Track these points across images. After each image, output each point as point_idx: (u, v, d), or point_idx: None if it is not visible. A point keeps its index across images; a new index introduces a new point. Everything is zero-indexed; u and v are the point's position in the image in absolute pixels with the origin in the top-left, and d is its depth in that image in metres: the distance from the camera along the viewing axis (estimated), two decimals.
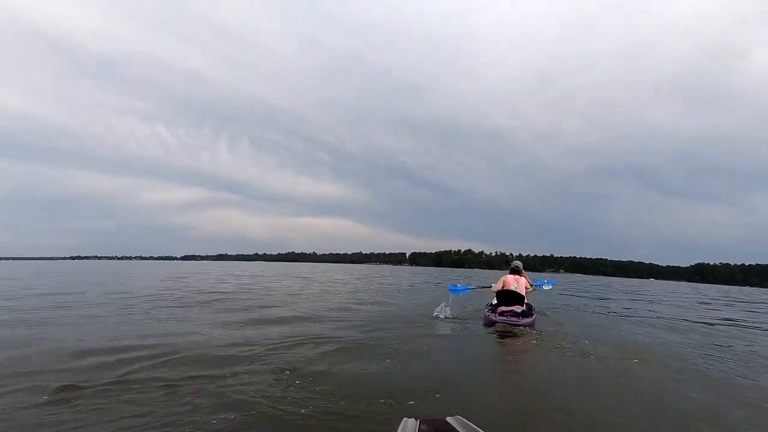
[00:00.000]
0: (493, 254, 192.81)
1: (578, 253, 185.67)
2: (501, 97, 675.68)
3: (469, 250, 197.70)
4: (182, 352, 4.27)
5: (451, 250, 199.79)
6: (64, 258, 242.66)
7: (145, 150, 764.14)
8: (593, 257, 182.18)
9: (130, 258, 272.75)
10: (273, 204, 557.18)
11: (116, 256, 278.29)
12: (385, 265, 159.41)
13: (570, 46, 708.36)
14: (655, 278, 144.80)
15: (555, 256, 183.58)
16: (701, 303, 16.91)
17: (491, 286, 7.62)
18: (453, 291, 8.60)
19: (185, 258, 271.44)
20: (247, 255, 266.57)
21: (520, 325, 6.42)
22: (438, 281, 24.99)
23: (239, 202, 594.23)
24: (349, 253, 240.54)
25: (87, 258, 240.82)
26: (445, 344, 5.48)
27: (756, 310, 15.06)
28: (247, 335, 5.38)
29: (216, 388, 3.26)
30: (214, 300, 9.78)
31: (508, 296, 7.06)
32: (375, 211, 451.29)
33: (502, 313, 6.77)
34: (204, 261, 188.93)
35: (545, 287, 9.66)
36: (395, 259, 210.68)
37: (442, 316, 7.30)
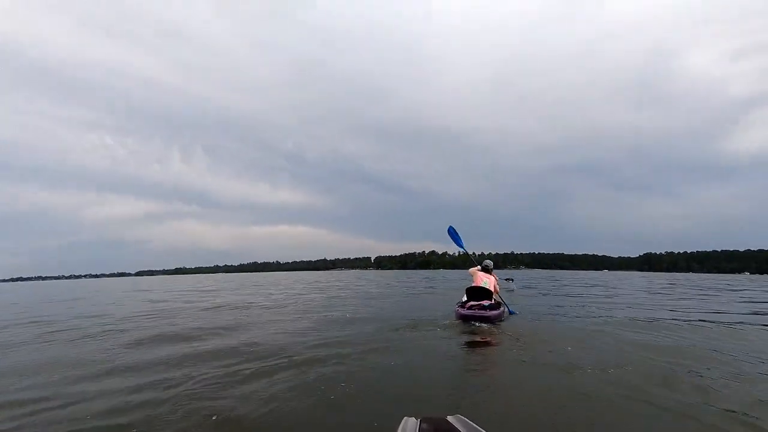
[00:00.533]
0: (457, 254, 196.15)
1: (537, 249, 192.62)
2: (462, 99, 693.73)
3: (433, 251, 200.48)
4: None
5: (415, 252, 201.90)
6: (3, 280, 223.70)
7: (92, 161, 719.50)
8: (552, 252, 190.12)
9: (79, 276, 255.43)
10: (232, 213, 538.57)
11: (63, 276, 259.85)
12: (351, 270, 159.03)
13: (527, 49, 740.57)
14: (609, 269, 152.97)
15: (516, 252, 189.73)
16: (654, 293, 17.54)
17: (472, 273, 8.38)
18: (451, 233, 9.61)
19: (140, 273, 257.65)
20: (208, 267, 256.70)
21: (486, 317, 6.96)
22: (405, 284, 25.40)
23: (196, 213, 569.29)
24: (313, 260, 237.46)
25: (29, 279, 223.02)
26: (426, 343, 5.66)
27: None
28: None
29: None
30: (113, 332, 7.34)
31: (477, 292, 7.61)
32: (338, 216, 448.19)
33: (470, 308, 7.27)
34: (160, 276, 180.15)
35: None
36: (361, 263, 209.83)
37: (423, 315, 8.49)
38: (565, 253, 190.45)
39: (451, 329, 6.72)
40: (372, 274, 77.62)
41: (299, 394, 3.36)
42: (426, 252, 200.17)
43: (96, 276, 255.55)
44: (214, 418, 2.93)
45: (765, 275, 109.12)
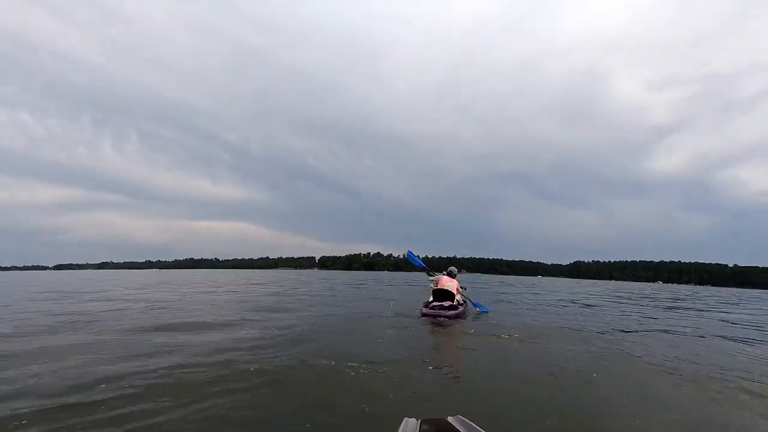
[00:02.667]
0: (401, 256, 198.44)
1: (478, 254, 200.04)
2: (407, 103, 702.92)
3: (378, 253, 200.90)
4: None
5: (360, 254, 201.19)
6: None
7: (1, 141, 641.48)
8: (491, 257, 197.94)
9: None
10: (167, 207, 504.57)
11: None
12: (293, 270, 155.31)
13: (471, 59, 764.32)
14: (542, 275, 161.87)
15: (458, 257, 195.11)
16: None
17: (431, 280, 9.09)
18: (410, 257, 10.11)
19: (59, 267, 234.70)
20: (138, 263, 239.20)
21: (446, 316, 7.84)
22: (355, 285, 24.46)
23: (127, 204, 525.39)
24: (255, 258, 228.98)
25: None
26: (404, 338, 6.07)
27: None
28: None
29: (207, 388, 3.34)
30: None
31: (441, 294, 8.60)
32: (282, 214, 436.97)
33: (432, 307, 8.18)
34: (84, 270, 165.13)
35: (478, 309, 9.62)
36: (304, 263, 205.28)
37: (389, 314, 8.53)
38: (503, 258, 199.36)
39: (418, 327, 7.19)
40: (320, 273, 75.94)
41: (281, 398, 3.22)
42: (371, 253, 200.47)
43: (5, 269, 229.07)
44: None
45: (673, 284, 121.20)
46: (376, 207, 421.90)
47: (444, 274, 9.15)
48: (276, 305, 10.37)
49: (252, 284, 22.95)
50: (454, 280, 8.99)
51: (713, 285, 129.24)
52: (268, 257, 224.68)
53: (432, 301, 8.56)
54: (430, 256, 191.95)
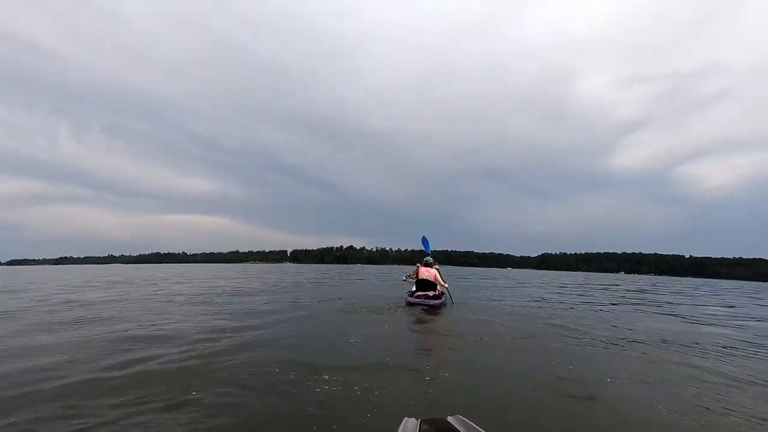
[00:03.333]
0: (374, 249, 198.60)
1: (450, 247, 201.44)
2: (384, 99, 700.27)
3: (351, 246, 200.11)
4: None
5: (333, 247, 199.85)
6: None
7: None
8: (463, 250, 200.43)
9: None
10: (132, 200, 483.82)
11: None
12: (264, 264, 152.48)
13: (445, 58, 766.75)
14: (512, 267, 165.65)
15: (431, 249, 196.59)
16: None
17: (411, 273, 9.78)
18: (424, 243, 11.56)
19: (12, 263, 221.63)
20: (100, 258, 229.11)
21: (430, 305, 8.39)
22: (330, 276, 23.77)
23: (88, 197, 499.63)
24: (224, 252, 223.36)
25: None
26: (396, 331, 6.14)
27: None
28: None
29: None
30: None
31: (423, 284, 9.06)
32: (253, 207, 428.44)
33: (417, 296, 8.69)
34: (39, 266, 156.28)
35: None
36: (276, 257, 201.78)
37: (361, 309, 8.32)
38: (475, 251, 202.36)
39: (404, 315, 7.58)
40: (291, 267, 74.33)
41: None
42: (344, 247, 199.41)
43: None
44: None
45: (634, 275, 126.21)
46: (351, 201, 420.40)
47: (421, 265, 9.50)
48: (232, 304, 9.22)
49: (214, 278, 21.54)
50: (432, 269, 9.29)
51: (671, 275, 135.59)
52: (238, 251, 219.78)
53: (416, 291, 8.99)
54: (402, 249, 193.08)
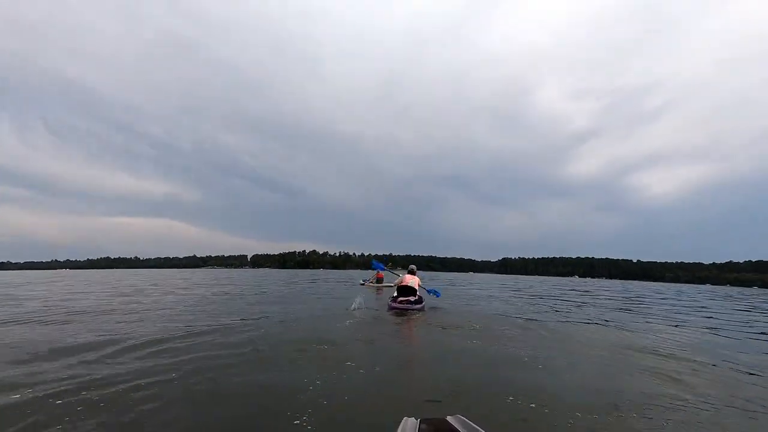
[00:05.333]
0: (338, 254, 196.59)
1: (413, 252, 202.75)
2: (346, 104, 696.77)
3: (314, 250, 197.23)
4: None
5: (295, 251, 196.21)
6: None
7: None
8: (425, 255, 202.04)
9: None
10: (79, 202, 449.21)
11: None
12: (223, 269, 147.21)
13: (408, 64, 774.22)
14: (474, 272, 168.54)
15: (394, 254, 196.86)
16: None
17: (397, 278, 10.23)
18: (375, 265, 13.05)
19: None
20: (42, 263, 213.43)
21: (413, 309, 8.89)
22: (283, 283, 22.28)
23: (30, 199, 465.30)
24: (180, 256, 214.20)
25: None
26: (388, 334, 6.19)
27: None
28: None
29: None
30: None
31: (405, 290, 9.57)
32: (211, 211, 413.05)
33: (400, 302, 9.13)
34: None
35: (433, 295, 11.21)
36: (235, 261, 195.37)
37: (354, 307, 9.02)
38: (437, 256, 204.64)
39: (389, 318, 7.87)
40: (249, 272, 71.75)
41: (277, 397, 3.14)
42: (306, 251, 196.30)
43: None
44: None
45: (588, 278, 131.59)
46: (313, 205, 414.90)
47: (407, 273, 10.18)
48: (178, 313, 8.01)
49: (166, 284, 19.74)
50: (415, 277, 10.04)
51: (622, 278, 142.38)
52: (195, 255, 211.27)
53: (398, 296, 9.45)
54: (366, 254, 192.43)
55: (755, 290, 63.45)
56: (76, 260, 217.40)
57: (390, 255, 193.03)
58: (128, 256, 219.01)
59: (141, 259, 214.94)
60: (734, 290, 53.86)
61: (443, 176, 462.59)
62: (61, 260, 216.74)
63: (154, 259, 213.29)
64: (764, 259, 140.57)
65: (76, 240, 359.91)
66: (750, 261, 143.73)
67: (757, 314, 12.66)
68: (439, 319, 7.99)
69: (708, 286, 78.73)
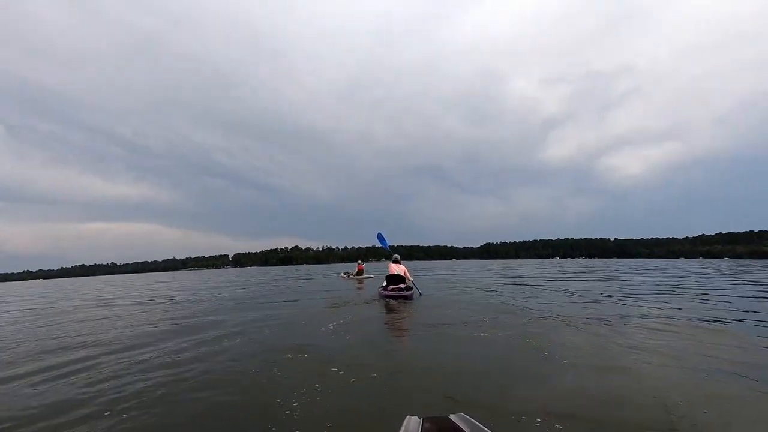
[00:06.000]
0: (320, 249, 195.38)
1: (396, 242, 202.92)
2: (319, 99, 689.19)
3: (296, 246, 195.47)
4: None
5: (278, 248, 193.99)
6: None
7: None
8: (408, 244, 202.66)
9: None
10: (47, 208, 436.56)
11: None
12: (204, 270, 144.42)
13: (380, 57, 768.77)
14: (457, 258, 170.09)
15: (377, 246, 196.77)
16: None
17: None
18: (380, 239, 12.30)
19: None
20: (13, 274, 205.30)
21: (404, 296, 9.06)
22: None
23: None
24: (159, 260, 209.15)
25: None
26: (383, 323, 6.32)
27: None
28: None
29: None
30: None
31: (394, 278, 9.78)
32: (188, 212, 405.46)
33: (392, 290, 9.37)
34: None
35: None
36: (216, 262, 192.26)
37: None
38: (419, 245, 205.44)
39: (381, 306, 8.08)
40: (231, 272, 70.19)
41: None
42: (288, 248, 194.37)
43: None
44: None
45: (568, 258, 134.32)
46: (293, 202, 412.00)
47: (391, 263, 10.32)
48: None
49: (142, 289, 18.99)
50: (401, 265, 10.16)
51: (600, 257, 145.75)
52: (174, 258, 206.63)
53: (388, 285, 9.64)
54: (350, 247, 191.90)
55: (727, 261, 65.63)
56: (49, 269, 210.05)
57: (373, 247, 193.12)
58: (104, 263, 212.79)
59: (118, 264, 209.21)
60: (709, 262, 55.34)
61: (420, 167, 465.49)
62: (33, 270, 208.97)
63: (132, 264, 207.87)
64: (733, 231, 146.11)
65: (48, 248, 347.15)
66: (720, 233, 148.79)
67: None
68: (430, 310, 7.59)
69: (683, 260, 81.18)
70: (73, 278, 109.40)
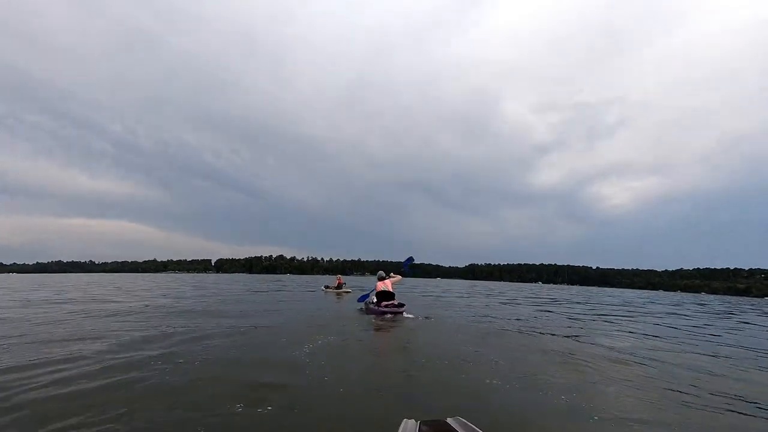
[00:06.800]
0: (305, 259, 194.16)
1: (381, 257, 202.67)
2: (315, 106, 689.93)
3: (281, 255, 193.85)
4: None
5: (261, 256, 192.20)
6: None
7: None
8: (394, 261, 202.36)
9: None
10: (27, 201, 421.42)
11: None
12: (185, 274, 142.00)
13: (376, 70, 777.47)
14: (442, 277, 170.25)
15: (362, 259, 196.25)
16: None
17: (373, 290, 10.52)
18: (361, 299, 11.60)
19: None
20: None
21: (399, 312, 9.46)
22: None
23: None
24: (140, 260, 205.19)
25: None
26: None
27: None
28: None
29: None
30: None
31: (385, 295, 10.01)
32: (173, 213, 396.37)
33: (385, 306, 9.60)
34: None
35: (407, 269, 12.59)
36: (199, 266, 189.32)
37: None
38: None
39: (371, 323, 8.12)
40: (212, 277, 69.18)
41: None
42: (273, 256, 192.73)
43: None
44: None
45: (550, 284, 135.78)
46: (280, 209, 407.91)
47: (378, 280, 10.50)
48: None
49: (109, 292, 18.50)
50: (388, 281, 10.41)
51: (581, 285, 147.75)
52: (155, 259, 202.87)
53: (380, 301, 9.84)
54: (334, 259, 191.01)
55: (704, 296, 67.32)
56: (24, 263, 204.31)
57: (359, 260, 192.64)
58: (82, 260, 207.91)
59: (96, 263, 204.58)
60: (688, 296, 56.53)
61: (411, 182, 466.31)
62: (7, 263, 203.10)
63: (111, 263, 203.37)
64: (710, 267, 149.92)
65: (25, 242, 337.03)
66: (698, 269, 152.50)
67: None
68: (422, 324, 8.04)
69: (661, 292, 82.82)
70: (48, 275, 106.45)
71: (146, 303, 11.97)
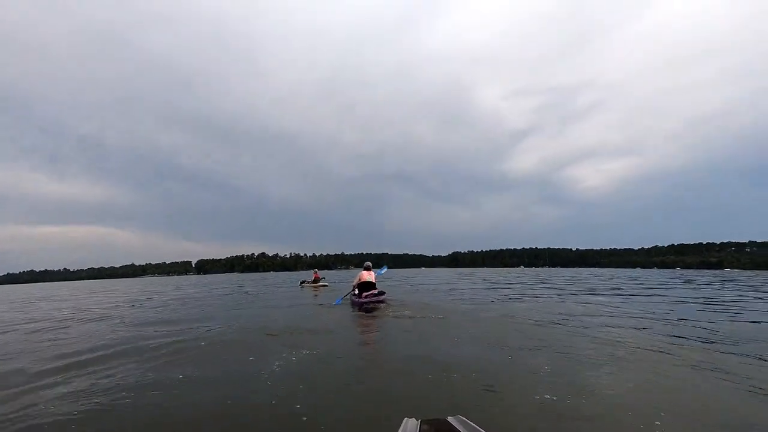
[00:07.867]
0: (288, 256, 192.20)
1: (364, 250, 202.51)
2: (291, 102, 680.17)
3: (263, 253, 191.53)
4: None
5: (243, 255, 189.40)
6: None
7: None
8: (377, 252, 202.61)
9: None
10: None
11: None
12: (165, 277, 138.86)
13: (350, 62, 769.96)
14: (425, 267, 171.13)
15: (346, 253, 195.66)
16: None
17: (354, 282, 10.75)
18: (338, 302, 11.08)
19: None
20: None
21: (379, 302, 9.73)
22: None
23: None
24: (117, 266, 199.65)
25: None
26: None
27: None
28: None
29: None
30: None
31: (366, 285, 10.29)
32: (149, 216, 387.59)
33: (366, 297, 9.86)
34: None
35: (382, 272, 13.07)
36: (179, 268, 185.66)
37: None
38: (388, 253, 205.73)
39: (356, 320, 7.90)
40: (192, 279, 67.36)
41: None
42: (255, 254, 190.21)
43: None
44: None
45: (532, 267, 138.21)
46: (260, 206, 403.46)
47: (363, 270, 10.80)
48: None
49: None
50: (372, 272, 10.77)
51: (562, 266, 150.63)
52: (133, 264, 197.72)
53: (361, 293, 10.11)
54: (318, 254, 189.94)
55: (678, 271, 69.04)
56: None
57: (342, 254, 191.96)
58: (56, 269, 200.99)
59: (71, 270, 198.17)
60: (665, 272, 57.50)
61: (390, 174, 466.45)
62: None
63: (87, 270, 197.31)
64: (684, 243, 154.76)
65: None
66: (672, 245, 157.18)
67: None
68: (410, 320, 7.74)
69: (639, 270, 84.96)
70: (24, 284, 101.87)
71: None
